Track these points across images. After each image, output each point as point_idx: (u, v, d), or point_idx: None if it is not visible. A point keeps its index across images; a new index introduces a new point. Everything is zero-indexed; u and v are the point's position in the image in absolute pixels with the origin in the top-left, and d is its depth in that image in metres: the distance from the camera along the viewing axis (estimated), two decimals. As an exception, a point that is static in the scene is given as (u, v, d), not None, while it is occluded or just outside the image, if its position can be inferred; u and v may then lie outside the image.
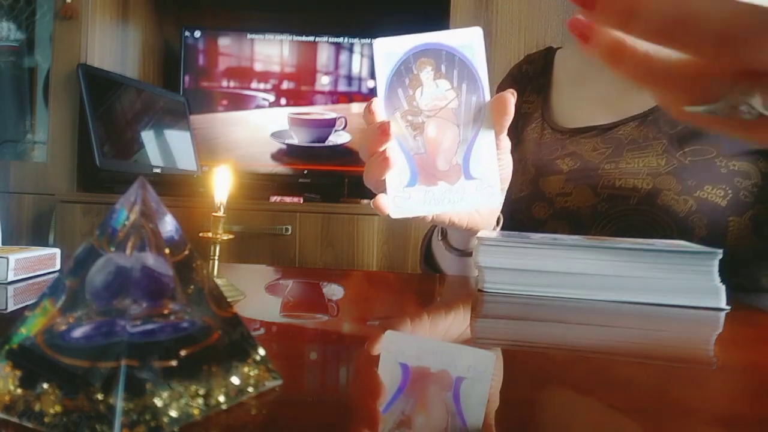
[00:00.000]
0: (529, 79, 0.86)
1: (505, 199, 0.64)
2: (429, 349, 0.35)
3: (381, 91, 0.48)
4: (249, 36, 1.76)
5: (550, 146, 0.76)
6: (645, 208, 0.65)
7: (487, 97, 0.48)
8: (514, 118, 0.83)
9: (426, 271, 0.76)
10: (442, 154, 0.49)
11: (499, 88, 0.48)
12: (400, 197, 0.49)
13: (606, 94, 0.77)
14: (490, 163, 0.49)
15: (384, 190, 0.49)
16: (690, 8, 0.22)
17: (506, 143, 0.53)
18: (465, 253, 0.64)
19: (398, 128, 0.48)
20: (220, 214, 0.44)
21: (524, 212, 0.73)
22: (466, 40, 0.47)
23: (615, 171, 0.68)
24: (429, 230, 0.78)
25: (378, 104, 0.48)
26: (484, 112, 0.48)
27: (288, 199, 1.45)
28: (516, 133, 0.84)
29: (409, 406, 0.24)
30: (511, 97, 0.48)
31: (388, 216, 0.49)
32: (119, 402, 0.19)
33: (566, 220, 0.70)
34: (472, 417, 0.23)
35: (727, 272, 0.47)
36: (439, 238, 0.67)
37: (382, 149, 0.47)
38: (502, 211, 0.65)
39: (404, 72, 0.48)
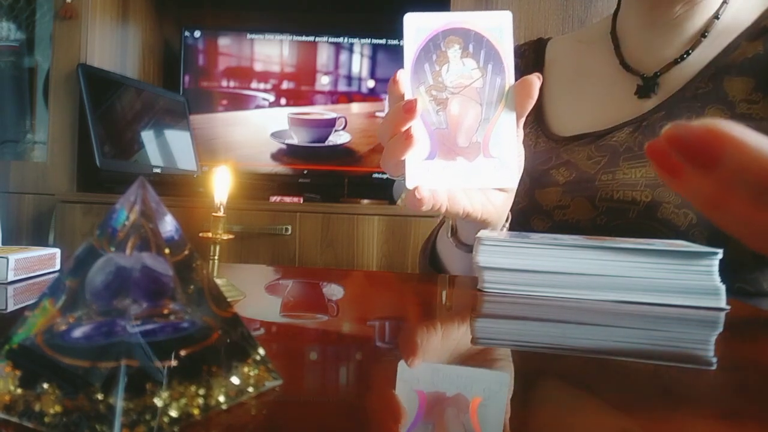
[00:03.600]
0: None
1: None
2: (439, 372, 0.35)
3: (408, 63, 0.49)
4: (249, 36, 1.76)
5: (543, 155, 0.75)
6: (644, 221, 0.64)
7: (511, 80, 0.49)
8: None
9: (430, 273, 0.75)
10: (463, 130, 0.49)
11: None
12: (419, 169, 0.50)
13: (599, 98, 0.76)
14: (510, 143, 0.50)
15: (400, 173, 0.50)
16: None
17: (521, 132, 0.53)
18: None
19: (422, 102, 0.49)
20: (220, 214, 0.44)
21: (523, 225, 0.73)
22: (496, 23, 0.48)
23: (612, 182, 0.67)
24: (432, 233, 0.77)
25: (404, 75, 0.49)
26: (507, 93, 0.49)
27: (288, 199, 1.45)
28: None
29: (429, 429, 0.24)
30: (536, 81, 0.49)
31: (414, 207, 0.49)
32: (119, 402, 0.19)
33: (566, 234, 0.69)
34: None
35: (728, 278, 0.47)
36: (448, 235, 0.66)
37: (405, 128, 0.48)
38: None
39: (432, 48, 0.49)
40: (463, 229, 0.65)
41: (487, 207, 0.56)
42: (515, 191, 0.59)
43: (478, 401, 0.25)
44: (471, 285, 0.56)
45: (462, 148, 0.49)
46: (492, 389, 0.27)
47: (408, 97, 0.49)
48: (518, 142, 0.53)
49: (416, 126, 0.48)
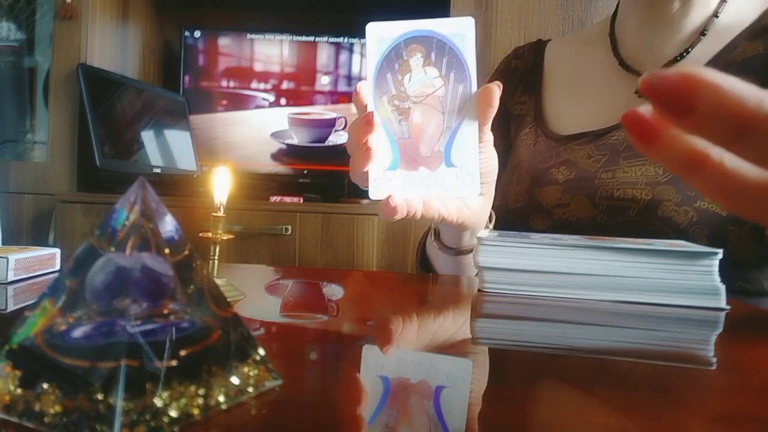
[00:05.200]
0: (520, 75, 0.85)
1: (503, 209, 0.63)
2: (408, 360, 0.35)
3: (370, 74, 0.49)
4: (249, 36, 1.76)
5: (543, 154, 0.75)
6: (645, 219, 0.64)
7: (474, 88, 0.49)
8: (507, 120, 0.81)
9: (423, 274, 0.75)
10: (425, 140, 0.49)
11: (488, 83, 0.49)
12: (381, 179, 0.50)
13: (598, 98, 0.76)
14: (472, 152, 0.49)
15: (367, 185, 0.50)
16: None
17: (489, 136, 0.53)
18: (459, 252, 0.63)
19: (384, 112, 0.49)
20: (220, 214, 0.44)
21: (522, 224, 0.73)
22: (458, 30, 0.48)
23: (612, 181, 0.67)
24: (424, 235, 0.77)
25: (365, 87, 0.49)
26: (469, 102, 0.49)
27: (288, 199, 1.45)
28: (508, 134, 0.83)
29: (393, 418, 0.24)
30: (496, 89, 0.48)
31: (387, 217, 0.49)
32: (119, 402, 0.19)
33: (566, 232, 0.69)
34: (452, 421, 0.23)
35: (729, 278, 0.47)
36: (433, 238, 0.66)
37: (365, 140, 0.48)
38: (499, 218, 0.65)
39: (394, 57, 0.49)
40: (444, 233, 0.65)
41: (463, 211, 0.55)
42: (492, 195, 0.59)
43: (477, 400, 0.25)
44: (470, 285, 0.56)
45: (424, 157, 0.49)
46: (493, 389, 0.27)
47: (370, 108, 0.49)
48: (487, 148, 0.52)
49: (376, 137, 0.48)
